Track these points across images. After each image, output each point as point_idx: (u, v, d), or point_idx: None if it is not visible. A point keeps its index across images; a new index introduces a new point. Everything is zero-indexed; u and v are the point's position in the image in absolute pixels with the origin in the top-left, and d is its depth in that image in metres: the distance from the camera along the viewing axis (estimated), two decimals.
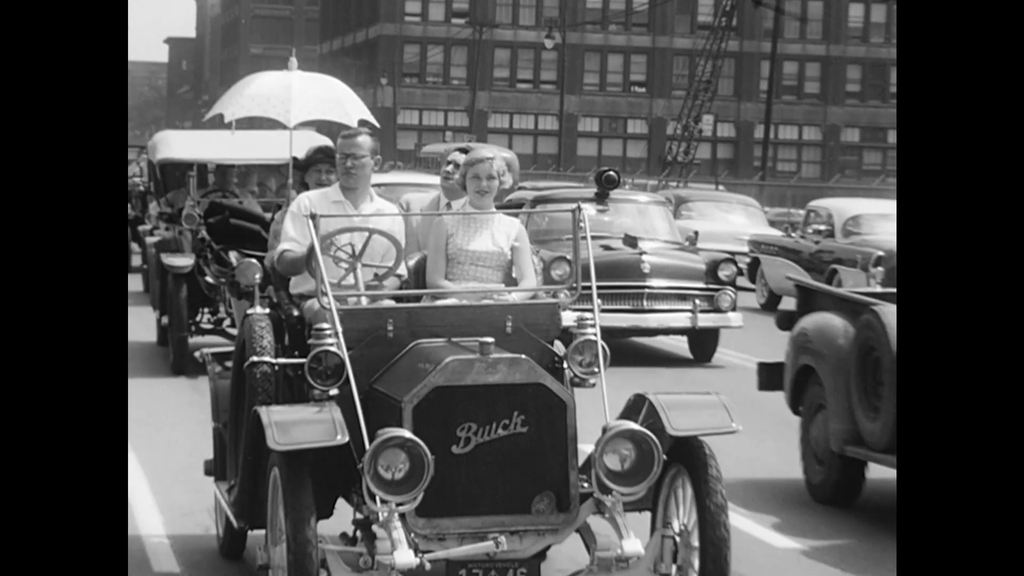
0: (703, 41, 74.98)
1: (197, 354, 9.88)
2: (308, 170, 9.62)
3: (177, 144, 18.42)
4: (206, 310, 15.97)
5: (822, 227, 23.93)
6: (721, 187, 47.26)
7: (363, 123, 11.72)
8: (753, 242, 26.46)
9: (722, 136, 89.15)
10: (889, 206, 23.51)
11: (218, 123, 13.40)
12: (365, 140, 8.40)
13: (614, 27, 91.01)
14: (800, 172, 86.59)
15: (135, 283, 25.77)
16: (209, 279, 15.16)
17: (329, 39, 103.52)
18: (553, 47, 79.03)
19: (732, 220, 29.49)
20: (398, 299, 7.99)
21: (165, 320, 16.47)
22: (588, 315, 7.59)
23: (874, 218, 23.38)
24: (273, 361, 7.88)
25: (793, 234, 25.25)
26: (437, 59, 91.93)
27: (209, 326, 16.10)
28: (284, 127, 12.70)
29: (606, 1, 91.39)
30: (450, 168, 9.30)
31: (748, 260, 25.82)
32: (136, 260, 28.97)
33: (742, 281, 22.15)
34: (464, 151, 8.95)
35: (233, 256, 13.51)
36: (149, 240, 19.77)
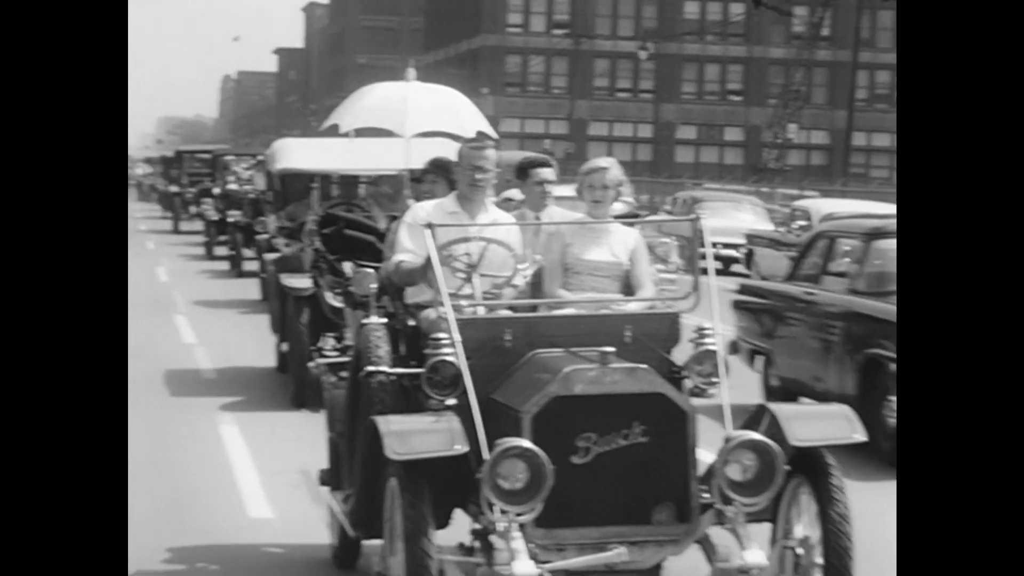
0: (795, 51, 75.45)
1: (311, 364, 9.89)
2: (420, 181, 9.63)
3: (297, 153, 17.14)
4: (330, 335, 13.61)
5: (804, 223, 27.61)
6: (810, 192, 47.79)
7: (480, 134, 11.61)
8: (749, 236, 30.63)
9: (816, 143, 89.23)
10: (863, 206, 27.72)
11: (331, 132, 13.34)
12: (491, 153, 8.34)
13: (711, 37, 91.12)
14: (892, 179, 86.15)
15: (252, 290, 25.73)
16: (333, 301, 13.83)
17: (433, 49, 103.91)
18: (648, 57, 79.46)
19: (739, 217, 33.68)
20: (516, 309, 7.94)
21: (285, 347, 15.51)
22: (708, 325, 7.52)
23: (845, 216, 25.02)
24: (390, 371, 7.84)
25: (781, 229, 30.21)
26: (538, 69, 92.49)
27: (334, 354, 12.90)
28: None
29: (703, 12, 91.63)
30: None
31: (745, 251, 29.72)
32: (251, 265, 29.12)
33: (739, 268, 28.72)
34: (540, 163, 8.84)
35: (348, 267, 13.02)
36: (268, 256, 18.53)
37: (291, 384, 14.67)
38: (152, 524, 9.85)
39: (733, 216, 33.53)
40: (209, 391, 15.51)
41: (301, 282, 14.68)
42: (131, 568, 8.27)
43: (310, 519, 9.76)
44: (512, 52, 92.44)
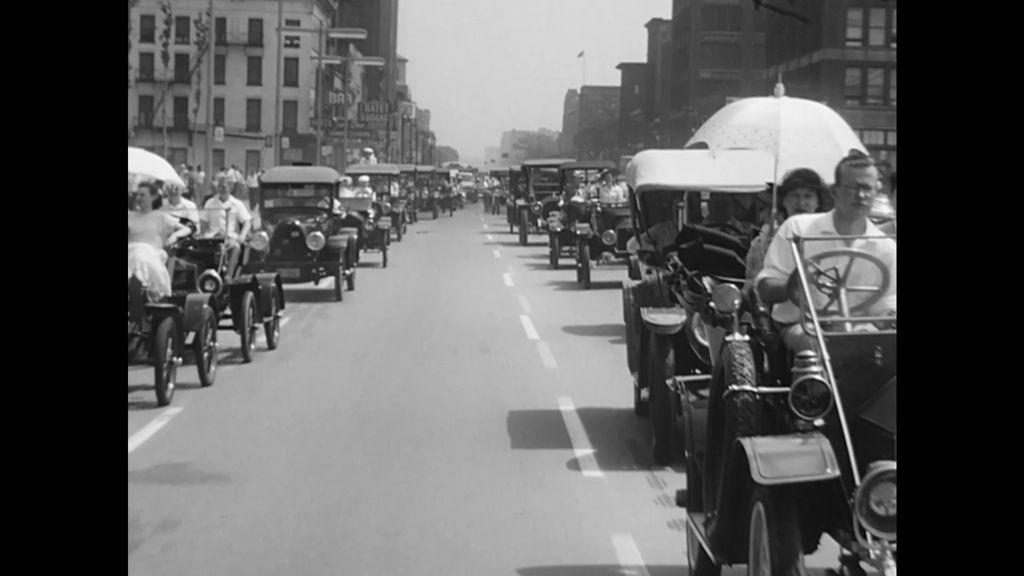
0: None
1: (669, 382, 9.68)
2: (787, 195, 9.27)
3: (661, 167, 15.18)
4: (697, 372, 11.54)
5: None
6: None
7: (854, 151, 11.16)
8: None
9: None
10: None
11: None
12: (873, 170, 7.99)
13: None
14: None
15: (598, 302, 25.69)
16: (702, 339, 12.27)
17: (775, 63, 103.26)
18: None
19: None
20: (884, 325, 7.61)
21: (645, 393, 13.58)
22: None
23: None
24: (755, 390, 7.59)
25: None
26: (877, 82, 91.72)
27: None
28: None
29: None
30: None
31: None
32: (597, 276, 29.15)
33: None
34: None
35: (707, 282, 12.41)
36: (626, 283, 16.58)
37: (652, 438, 12.91)
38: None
39: None
40: (553, 428, 15.27)
41: (667, 318, 13.02)
42: None
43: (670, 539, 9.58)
44: (851, 66, 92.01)
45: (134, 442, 13.24)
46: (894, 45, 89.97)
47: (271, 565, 9.55)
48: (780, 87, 11.61)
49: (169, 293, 16.20)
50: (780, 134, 11.14)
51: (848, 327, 7.56)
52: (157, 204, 17.85)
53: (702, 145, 12.22)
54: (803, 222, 8.10)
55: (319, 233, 27.15)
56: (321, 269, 27.43)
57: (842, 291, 7.70)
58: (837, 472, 6.63)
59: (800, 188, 9.18)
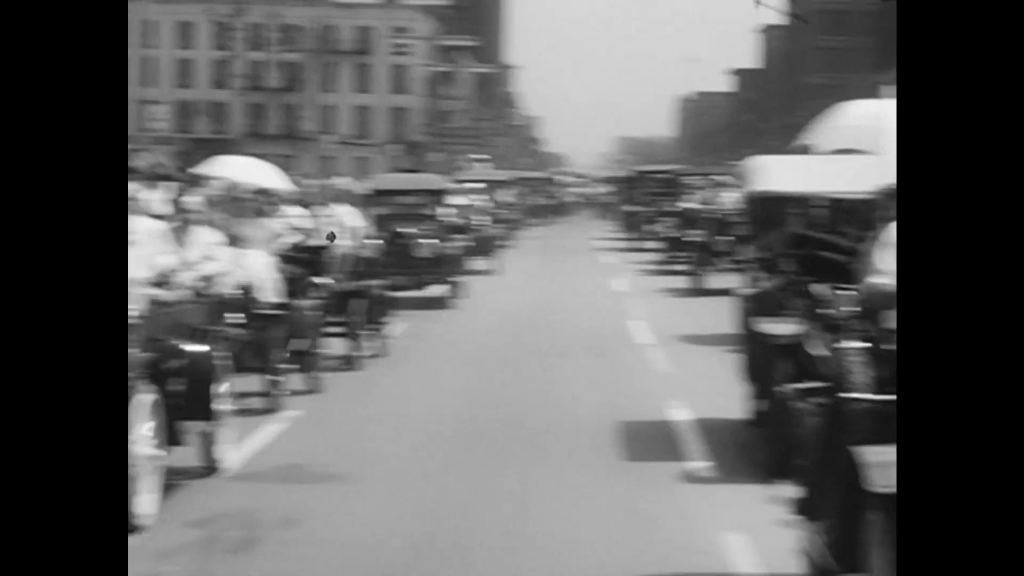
0: None
1: (783, 391, 9.51)
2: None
3: (774, 173, 14.31)
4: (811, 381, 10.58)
5: None
6: None
7: None
8: None
9: None
10: None
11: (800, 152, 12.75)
12: None
13: None
14: None
15: (710, 309, 25.56)
16: (817, 350, 11.37)
17: (886, 69, 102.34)
18: None
19: None
20: None
21: (758, 403, 13.41)
22: None
23: None
24: (869, 397, 7.42)
25: None
26: None
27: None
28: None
29: None
30: None
31: None
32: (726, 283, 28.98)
33: None
34: None
35: (820, 289, 11.97)
36: (739, 291, 15.90)
37: (767, 443, 12.65)
38: None
39: None
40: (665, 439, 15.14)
41: (780, 327, 12.58)
42: None
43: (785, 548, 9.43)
44: None
45: (253, 444, 13.58)
46: None
47: (388, 562, 9.66)
48: (886, 88, 11.39)
49: (277, 300, 16.26)
50: (882, 133, 10.90)
51: None
52: (265, 212, 17.93)
53: (804, 148, 12.01)
54: None
55: (428, 240, 27.16)
56: (430, 276, 27.44)
57: None
58: None
59: None
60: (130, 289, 10.85)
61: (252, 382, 15.51)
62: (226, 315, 13.68)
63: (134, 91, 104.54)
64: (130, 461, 9.91)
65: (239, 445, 13.04)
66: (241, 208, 17.02)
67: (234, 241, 16.57)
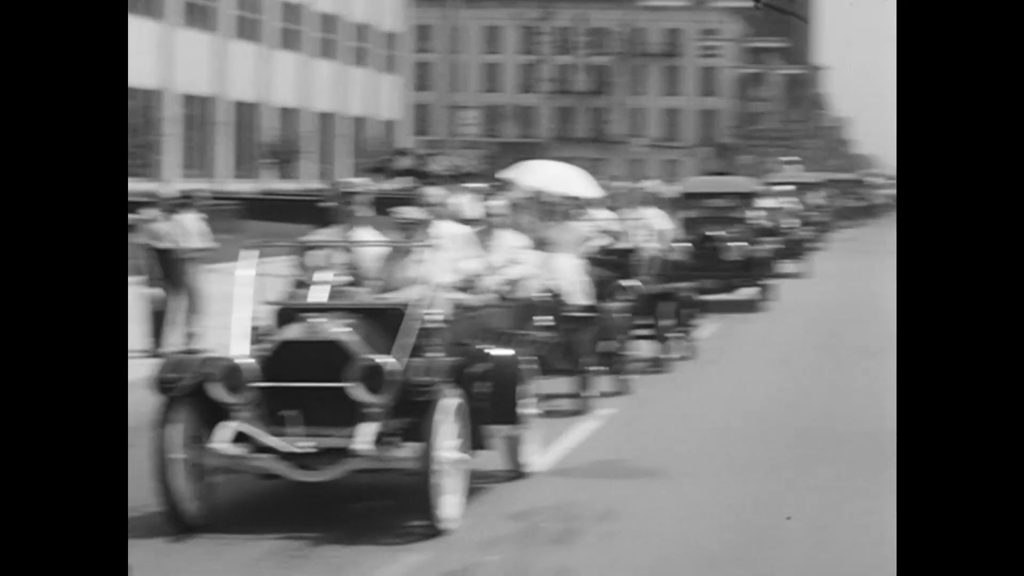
0: None
1: None
2: None
3: None
4: None
5: None
6: None
7: None
8: None
9: None
10: None
11: None
12: None
13: None
14: None
15: None
16: None
17: None
18: None
19: None
20: None
21: None
22: None
23: None
24: None
25: None
26: None
27: None
28: None
29: None
30: None
31: None
32: None
33: None
34: None
35: None
36: None
37: None
38: None
39: None
40: None
41: None
42: None
43: None
44: None
45: (567, 442, 13.86)
46: None
47: (706, 553, 9.77)
48: None
49: (587, 302, 16.30)
50: None
51: None
52: (573, 215, 17.98)
53: None
54: None
55: (737, 243, 26.91)
56: (739, 279, 27.20)
57: None
58: None
59: None
60: (431, 293, 10.92)
61: (561, 384, 15.60)
62: (534, 318, 13.73)
63: (443, 96, 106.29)
64: (433, 466, 9.95)
65: (546, 447, 13.11)
66: (549, 212, 17.07)
67: (542, 244, 16.66)
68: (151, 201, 20.96)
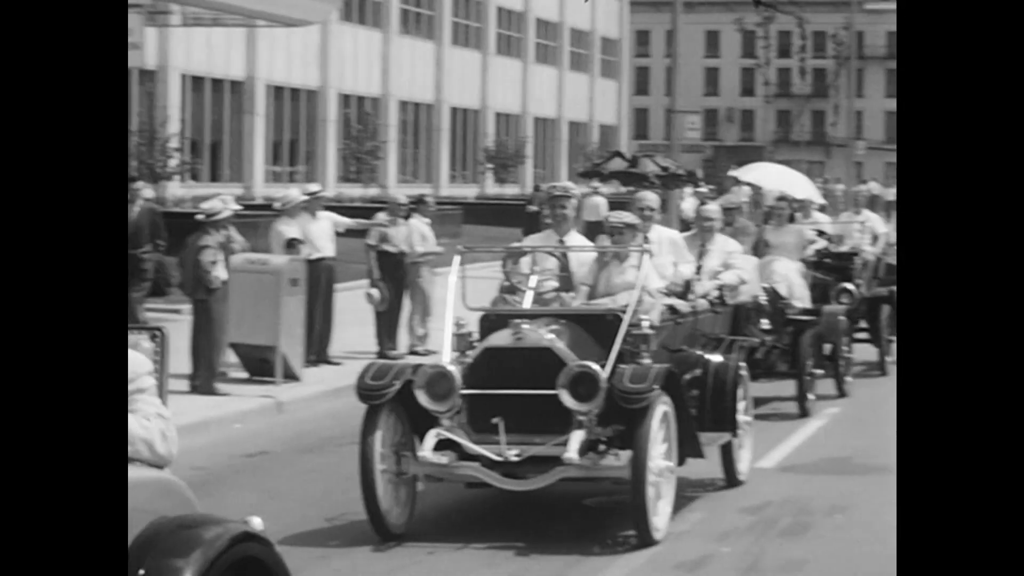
0: None
1: None
2: None
3: None
4: None
5: None
6: None
7: None
8: None
9: None
10: None
11: None
12: None
13: None
14: None
15: None
16: None
17: None
18: None
19: None
20: None
21: None
22: None
23: None
24: None
25: None
26: None
27: None
28: None
29: None
30: None
31: None
32: None
33: None
34: None
35: None
36: None
37: None
38: None
39: None
40: None
41: None
42: None
43: None
44: None
45: (796, 440, 14.14)
46: None
47: None
48: None
49: (808, 305, 16.20)
50: None
51: None
52: (792, 218, 17.86)
53: None
54: None
55: None
56: None
57: None
58: None
59: None
60: (642, 299, 10.70)
61: (783, 387, 15.63)
62: (756, 321, 13.62)
63: (662, 100, 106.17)
64: (645, 475, 9.72)
65: (771, 448, 13.21)
66: (770, 215, 16.88)
67: (763, 247, 16.51)
68: (381, 206, 21.06)
